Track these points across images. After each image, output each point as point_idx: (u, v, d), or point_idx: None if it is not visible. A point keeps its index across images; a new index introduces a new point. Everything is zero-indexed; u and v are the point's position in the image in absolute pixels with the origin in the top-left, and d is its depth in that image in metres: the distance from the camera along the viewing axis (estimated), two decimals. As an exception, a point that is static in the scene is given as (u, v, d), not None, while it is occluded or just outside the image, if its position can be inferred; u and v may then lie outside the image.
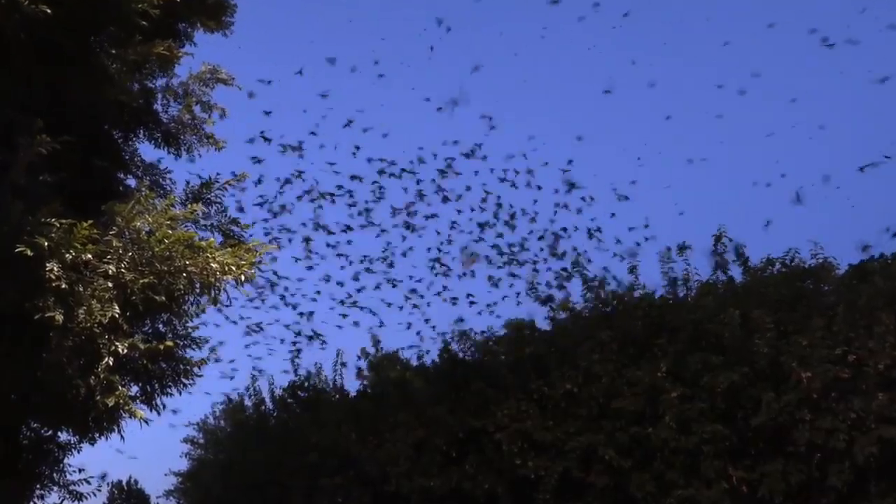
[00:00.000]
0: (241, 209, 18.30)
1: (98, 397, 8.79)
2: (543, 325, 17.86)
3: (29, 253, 8.22)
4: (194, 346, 10.92)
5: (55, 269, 8.47)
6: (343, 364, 19.48)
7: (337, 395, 19.50)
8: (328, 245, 19.87)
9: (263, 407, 20.78)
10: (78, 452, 11.55)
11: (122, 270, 8.93)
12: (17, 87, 9.57)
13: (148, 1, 9.88)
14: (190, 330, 10.90)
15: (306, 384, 19.91)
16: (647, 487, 14.97)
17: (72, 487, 11.57)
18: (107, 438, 10.28)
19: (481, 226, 19.64)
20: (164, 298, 9.16)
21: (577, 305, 17.73)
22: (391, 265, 20.01)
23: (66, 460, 11.59)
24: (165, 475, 23.90)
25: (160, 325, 10.72)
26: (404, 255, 20.02)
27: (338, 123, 20.05)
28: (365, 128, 19.96)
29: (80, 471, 11.63)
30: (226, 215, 11.79)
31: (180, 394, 10.75)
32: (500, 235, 19.61)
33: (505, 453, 15.83)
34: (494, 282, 19.52)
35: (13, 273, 8.44)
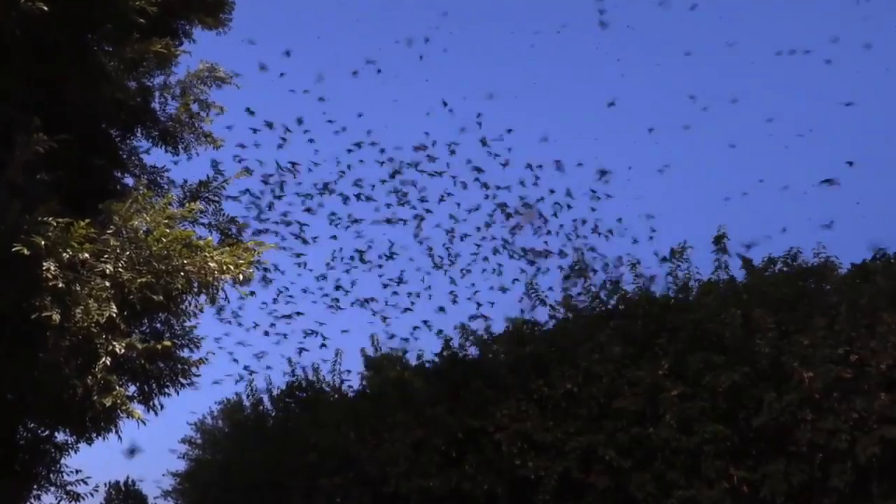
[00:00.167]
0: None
1: (95, 397, 8.73)
2: (544, 318, 17.86)
3: (26, 252, 8.15)
4: (192, 346, 10.84)
5: (52, 268, 8.39)
6: (341, 370, 19.49)
7: (336, 395, 19.45)
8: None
9: (262, 407, 20.73)
10: (75, 453, 11.49)
11: (120, 270, 8.86)
12: (13, 85, 9.51)
13: (145, -2, 9.82)
14: (188, 329, 10.83)
15: (304, 384, 19.86)
16: (648, 488, 14.92)
17: (69, 488, 11.49)
18: (104, 439, 10.23)
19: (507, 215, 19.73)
20: (161, 298, 9.09)
21: (578, 303, 17.70)
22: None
23: (63, 461, 11.51)
24: (163, 475, 23.91)
25: (158, 325, 10.67)
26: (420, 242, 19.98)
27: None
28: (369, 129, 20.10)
29: (77, 471, 11.57)
30: (223, 214, 11.74)
31: (178, 394, 10.70)
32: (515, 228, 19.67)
33: (504, 453, 15.78)
34: (499, 271, 19.58)
35: (10, 272, 8.37)
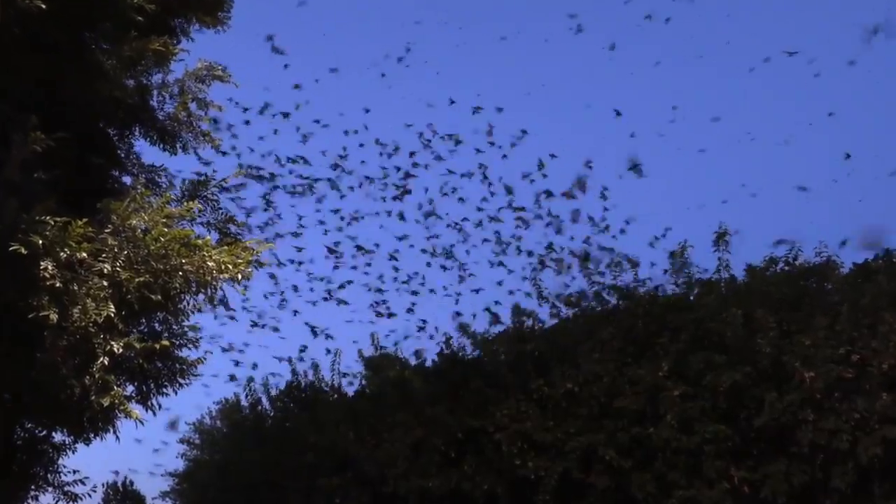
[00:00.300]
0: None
1: (93, 397, 8.68)
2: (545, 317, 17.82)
3: (23, 251, 8.11)
4: (190, 346, 10.79)
5: (50, 267, 8.35)
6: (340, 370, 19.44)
7: (335, 395, 19.40)
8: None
9: (260, 407, 20.68)
10: (73, 453, 11.44)
11: (118, 269, 8.82)
12: (11, 83, 9.46)
13: (143, -4, 9.76)
14: (186, 329, 10.77)
15: (302, 384, 19.82)
16: (648, 488, 14.88)
17: (67, 488, 11.44)
18: (102, 439, 10.17)
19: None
20: (159, 297, 9.04)
21: (579, 299, 17.65)
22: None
23: (60, 461, 11.46)
24: (161, 475, 23.82)
25: (156, 324, 10.60)
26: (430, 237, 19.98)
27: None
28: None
29: (74, 472, 11.52)
30: (222, 213, 11.67)
31: (176, 393, 10.64)
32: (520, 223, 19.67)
33: (504, 453, 15.74)
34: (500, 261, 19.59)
35: (7, 272, 8.33)
